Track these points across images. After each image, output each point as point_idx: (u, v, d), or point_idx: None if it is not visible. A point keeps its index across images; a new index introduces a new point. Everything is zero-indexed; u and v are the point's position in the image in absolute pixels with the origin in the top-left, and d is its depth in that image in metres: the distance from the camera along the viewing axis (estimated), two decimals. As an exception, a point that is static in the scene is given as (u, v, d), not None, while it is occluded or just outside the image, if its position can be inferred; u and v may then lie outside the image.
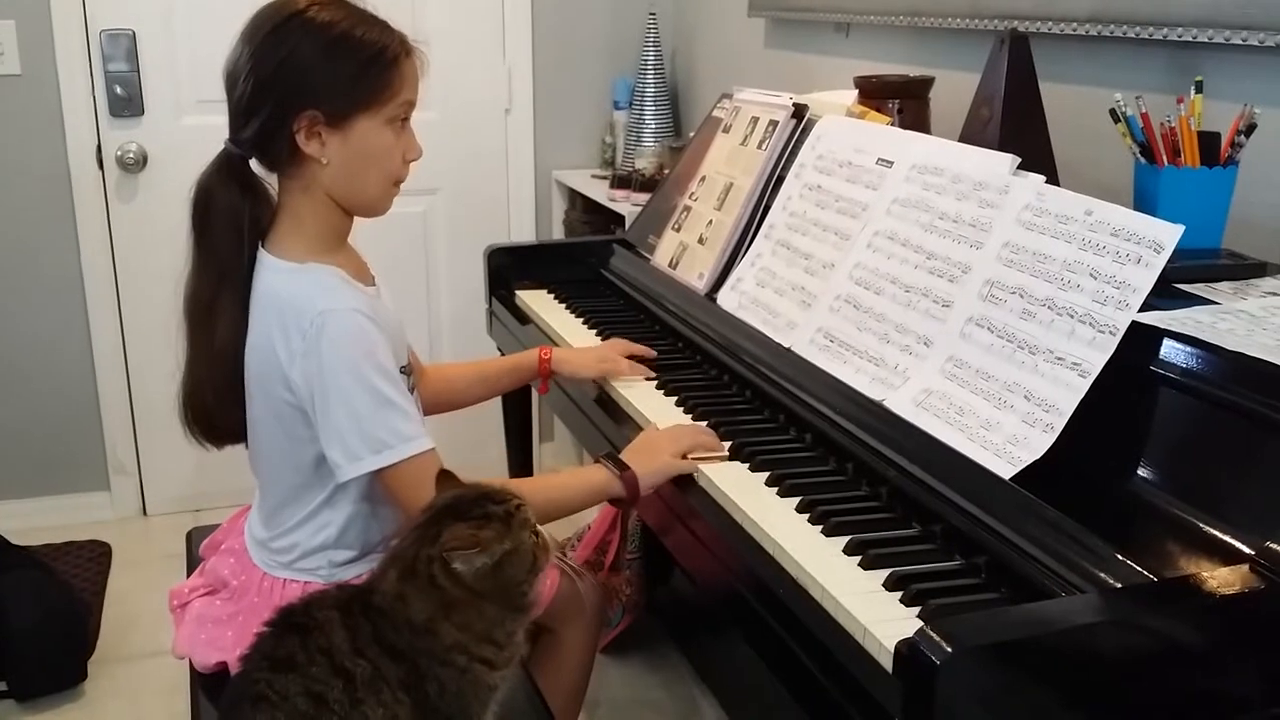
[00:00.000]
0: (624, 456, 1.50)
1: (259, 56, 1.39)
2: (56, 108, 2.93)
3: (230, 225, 1.43)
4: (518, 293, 2.28)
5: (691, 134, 2.47)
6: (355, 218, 1.50)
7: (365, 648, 1.25)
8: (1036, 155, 1.51)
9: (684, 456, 1.47)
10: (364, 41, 1.40)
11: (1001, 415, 1.27)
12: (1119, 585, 1.04)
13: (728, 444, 1.51)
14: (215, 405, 1.49)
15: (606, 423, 1.72)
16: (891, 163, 1.63)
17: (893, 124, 1.82)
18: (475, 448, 1.49)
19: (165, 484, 3.25)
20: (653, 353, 1.82)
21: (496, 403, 2.23)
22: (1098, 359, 1.21)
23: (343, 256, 1.49)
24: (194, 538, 1.82)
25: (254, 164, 1.45)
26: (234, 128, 1.43)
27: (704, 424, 1.57)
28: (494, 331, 2.34)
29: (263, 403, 1.45)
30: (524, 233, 3.40)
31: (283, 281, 1.42)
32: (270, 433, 1.47)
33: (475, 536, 1.22)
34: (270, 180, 1.47)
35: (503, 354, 2.30)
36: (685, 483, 1.46)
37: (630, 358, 1.81)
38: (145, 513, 3.27)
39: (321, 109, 1.39)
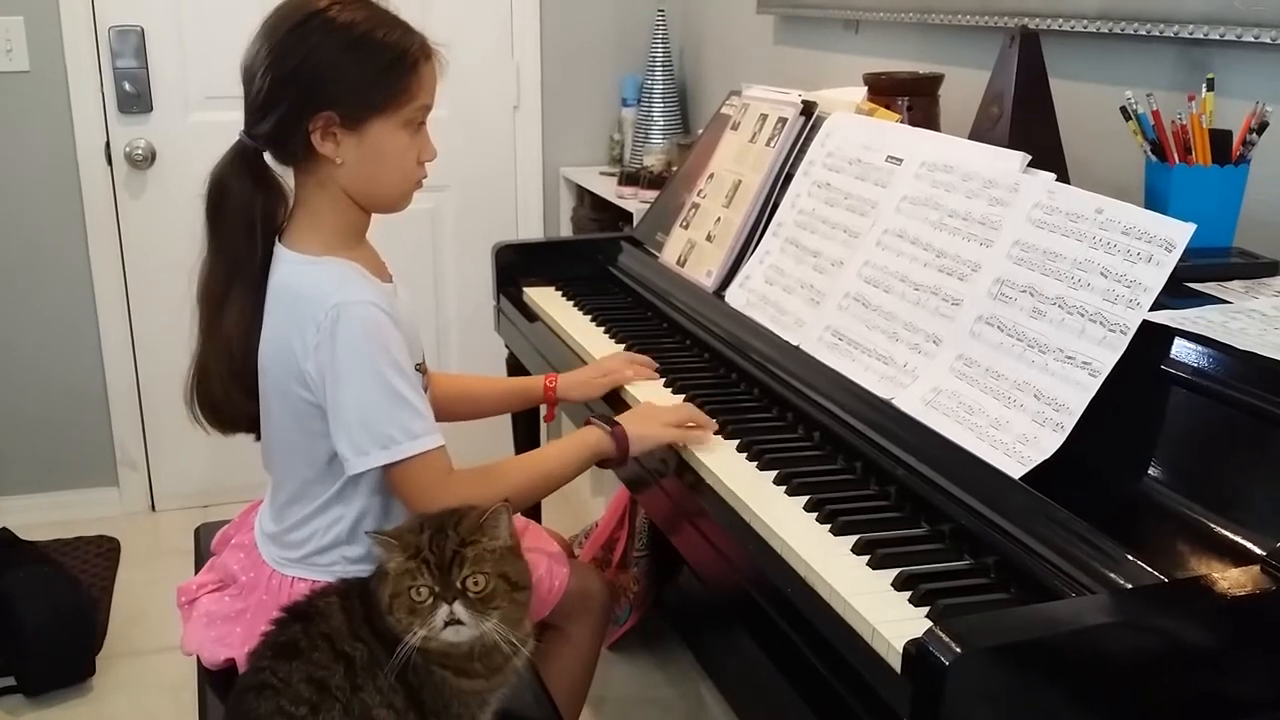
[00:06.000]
0: (618, 418, 1.54)
1: (278, 53, 1.38)
2: (65, 104, 2.94)
3: (244, 218, 1.43)
4: (525, 290, 2.27)
5: (700, 131, 2.46)
6: (373, 214, 1.50)
7: (359, 629, 1.28)
8: (1047, 153, 1.51)
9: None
10: (385, 44, 1.40)
11: (1011, 414, 1.27)
12: (1129, 586, 1.04)
13: (735, 442, 1.51)
14: (223, 395, 1.49)
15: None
16: (901, 160, 1.62)
17: (902, 121, 1.82)
18: (484, 459, 1.49)
19: (174, 479, 3.26)
20: (653, 363, 1.80)
21: (505, 417, 2.22)
22: (1108, 358, 1.21)
23: (360, 252, 1.49)
24: (202, 533, 1.83)
25: (268, 157, 1.45)
26: (249, 122, 1.43)
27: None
28: (502, 329, 2.33)
29: (278, 398, 1.45)
30: (532, 230, 3.40)
31: (297, 274, 1.42)
32: (285, 428, 1.47)
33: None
34: (284, 174, 1.47)
35: (510, 351, 2.30)
36: (693, 480, 1.46)
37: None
38: (154, 508, 3.28)
39: (338, 110, 1.38)
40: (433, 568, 1.22)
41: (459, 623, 1.23)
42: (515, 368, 2.29)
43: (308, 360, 1.38)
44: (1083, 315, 1.25)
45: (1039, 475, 1.20)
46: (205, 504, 3.21)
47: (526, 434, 2.32)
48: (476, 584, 1.23)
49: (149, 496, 3.28)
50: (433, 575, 1.22)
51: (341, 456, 1.40)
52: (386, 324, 1.39)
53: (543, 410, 1.87)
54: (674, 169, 2.70)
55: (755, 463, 1.45)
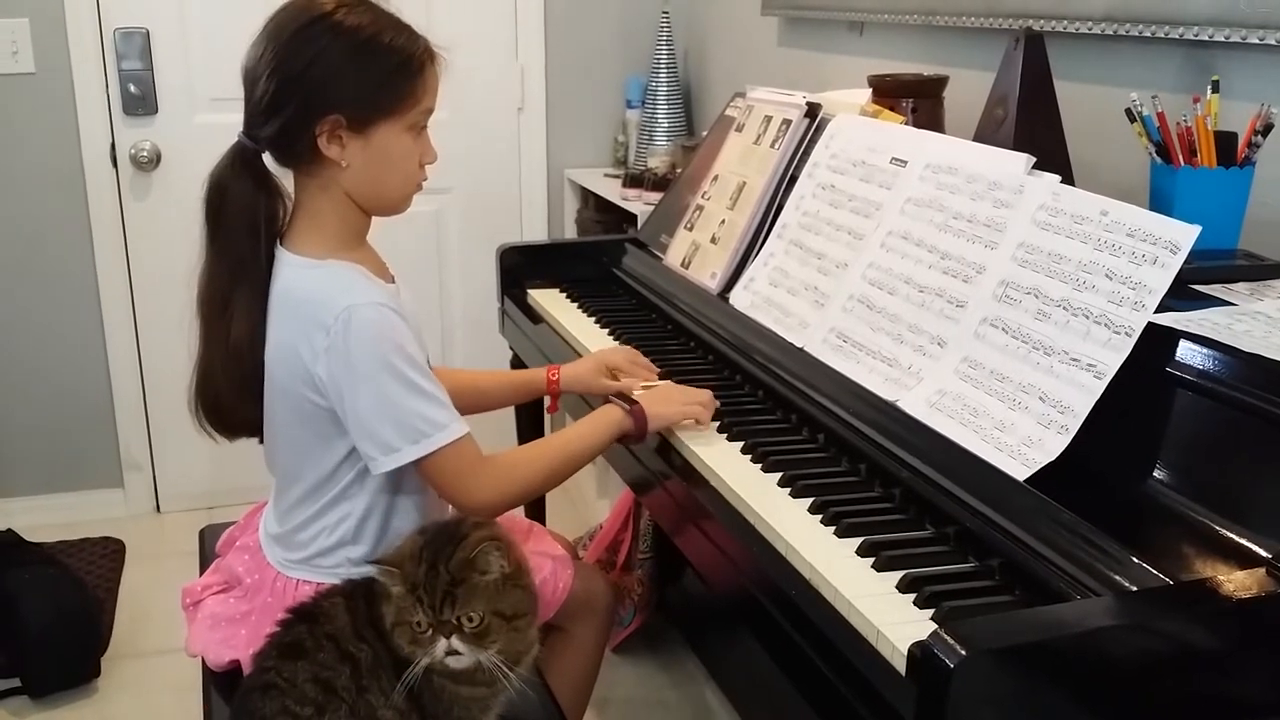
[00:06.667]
0: (636, 395, 1.58)
1: (283, 57, 1.38)
2: (70, 106, 2.94)
3: (245, 220, 1.43)
4: (530, 292, 2.28)
5: (704, 133, 2.46)
6: (374, 216, 1.50)
7: (364, 630, 1.28)
8: (1051, 155, 1.50)
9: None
10: (391, 48, 1.40)
11: (1016, 416, 1.27)
12: (1134, 588, 1.04)
13: (739, 444, 1.51)
14: (229, 399, 1.49)
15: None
16: (905, 162, 1.62)
17: (907, 123, 1.81)
18: (489, 452, 1.49)
19: (179, 481, 3.26)
20: (654, 367, 1.80)
21: (509, 415, 2.22)
22: (1113, 360, 1.20)
23: (362, 254, 1.49)
24: (207, 535, 1.83)
25: (266, 158, 1.45)
26: (251, 124, 1.43)
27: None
28: (506, 330, 2.33)
29: (285, 402, 1.45)
30: (536, 232, 3.40)
31: (302, 278, 1.42)
32: (292, 431, 1.47)
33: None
34: (283, 175, 1.47)
35: (515, 353, 2.30)
36: (697, 482, 1.46)
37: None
38: (159, 510, 3.29)
39: (345, 114, 1.38)
40: (426, 607, 1.23)
41: (458, 653, 1.24)
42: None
43: (317, 364, 1.38)
44: (1088, 317, 1.25)
45: (1044, 477, 1.20)
46: (210, 505, 3.22)
47: (531, 426, 2.32)
48: (471, 620, 1.24)
49: (154, 498, 3.28)
50: (427, 613, 1.23)
51: (368, 457, 1.40)
52: (397, 321, 1.40)
53: (546, 402, 1.88)
54: (678, 171, 2.70)
55: (759, 465, 1.45)
